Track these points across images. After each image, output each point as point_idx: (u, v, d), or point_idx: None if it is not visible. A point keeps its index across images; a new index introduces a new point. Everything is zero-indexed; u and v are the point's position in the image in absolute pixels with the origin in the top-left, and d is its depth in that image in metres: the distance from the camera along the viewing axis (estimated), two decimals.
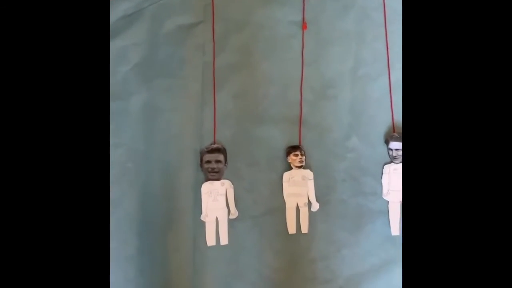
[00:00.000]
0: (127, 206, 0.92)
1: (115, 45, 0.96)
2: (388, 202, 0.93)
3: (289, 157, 0.94)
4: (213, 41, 0.98)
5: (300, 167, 0.94)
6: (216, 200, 0.93)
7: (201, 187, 0.93)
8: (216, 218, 0.93)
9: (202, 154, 0.94)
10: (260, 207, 0.94)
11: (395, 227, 0.93)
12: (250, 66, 0.98)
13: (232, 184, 0.94)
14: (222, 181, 0.93)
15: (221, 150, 0.94)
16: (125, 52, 0.97)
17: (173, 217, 0.92)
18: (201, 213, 0.93)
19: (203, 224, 0.92)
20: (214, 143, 0.95)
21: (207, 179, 0.93)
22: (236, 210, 0.93)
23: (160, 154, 0.94)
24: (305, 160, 0.94)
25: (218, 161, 0.93)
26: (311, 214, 0.93)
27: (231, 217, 0.93)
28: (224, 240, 0.93)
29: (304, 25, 0.99)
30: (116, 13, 0.97)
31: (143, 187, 0.93)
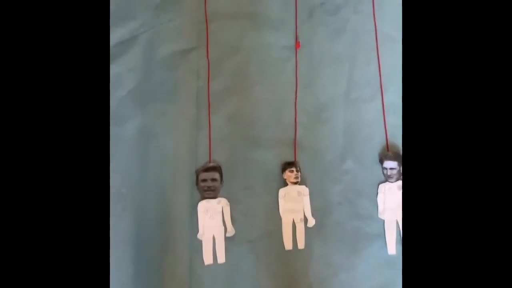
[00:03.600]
0: (121, 231, 0.91)
1: (111, 71, 0.96)
2: (384, 221, 0.93)
3: (284, 173, 0.94)
4: (208, 65, 0.99)
5: (295, 183, 0.93)
6: (212, 218, 0.92)
7: (196, 208, 0.92)
8: (213, 237, 0.92)
9: (197, 172, 0.94)
10: (257, 231, 0.93)
11: (392, 246, 0.92)
12: (244, 89, 0.99)
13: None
14: (218, 199, 0.93)
15: (216, 169, 0.94)
16: (120, 78, 0.97)
17: (169, 240, 0.91)
18: (197, 234, 0.92)
19: (199, 246, 0.91)
20: (210, 162, 0.95)
21: (203, 198, 0.93)
22: (233, 228, 0.92)
23: (155, 178, 0.94)
24: (300, 176, 0.94)
25: (214, 180, 0.93)
26: (308, 236, 0.93)
27: (228, 235, 0.92)
28: (221, 259, 0.91)
29: (297, 44, 1.00)
30: (111, 39, 0.98)
31: (138, 212, 0.92)
